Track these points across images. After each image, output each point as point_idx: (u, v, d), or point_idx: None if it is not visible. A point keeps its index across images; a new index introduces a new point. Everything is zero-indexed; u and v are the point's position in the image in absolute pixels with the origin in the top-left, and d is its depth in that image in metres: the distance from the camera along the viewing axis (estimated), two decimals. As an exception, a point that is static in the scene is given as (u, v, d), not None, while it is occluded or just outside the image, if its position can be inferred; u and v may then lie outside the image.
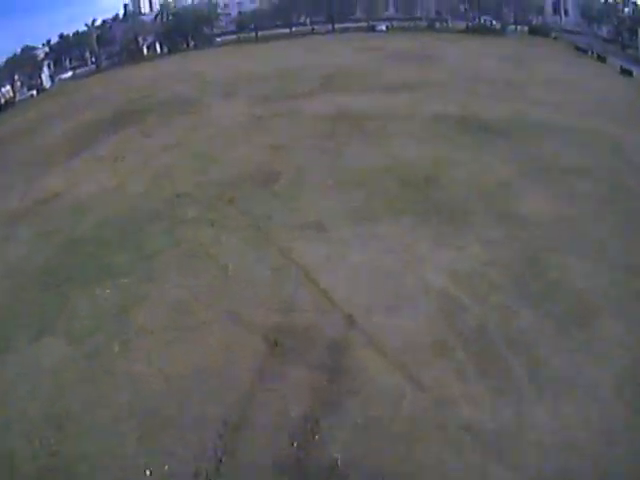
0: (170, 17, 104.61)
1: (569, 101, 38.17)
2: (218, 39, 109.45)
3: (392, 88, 41.76)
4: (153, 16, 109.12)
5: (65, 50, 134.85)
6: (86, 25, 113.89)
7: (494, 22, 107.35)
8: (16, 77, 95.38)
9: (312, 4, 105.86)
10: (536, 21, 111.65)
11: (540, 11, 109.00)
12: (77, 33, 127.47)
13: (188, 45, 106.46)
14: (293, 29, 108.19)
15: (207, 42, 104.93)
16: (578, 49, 75.67)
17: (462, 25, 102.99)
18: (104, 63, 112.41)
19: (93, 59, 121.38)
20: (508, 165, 26.14)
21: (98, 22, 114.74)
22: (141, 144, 35.68)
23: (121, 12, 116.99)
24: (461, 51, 63.31)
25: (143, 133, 38.34)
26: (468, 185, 24.14)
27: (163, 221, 23.88)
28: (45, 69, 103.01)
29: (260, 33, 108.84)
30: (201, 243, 21.54)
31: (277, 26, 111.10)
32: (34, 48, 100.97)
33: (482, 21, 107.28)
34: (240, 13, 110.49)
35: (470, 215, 21.65)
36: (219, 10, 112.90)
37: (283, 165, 27.29)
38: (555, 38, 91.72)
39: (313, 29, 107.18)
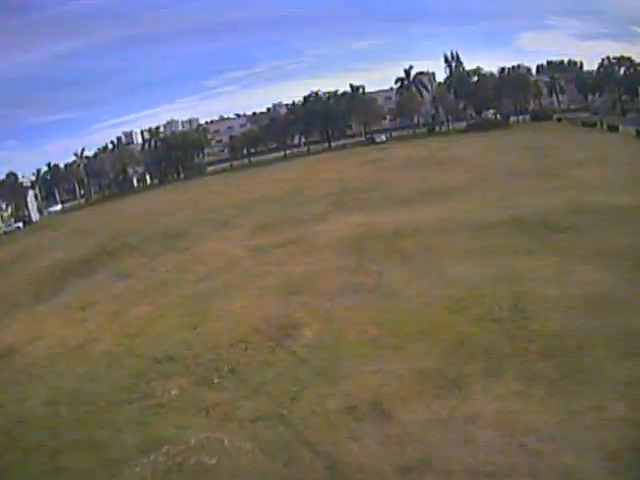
0: (158, 145, 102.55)
1: (611, 178, 33.05)
2: (210, 167, 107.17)
3: (415, 198, 35.95)
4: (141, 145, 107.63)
5: (54, 181, 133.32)
6: (75, 154, 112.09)
7: (496, 115, 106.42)
8: (3, 207, 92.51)
9: (305, 124, 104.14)
10: (534, 106, 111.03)
11: (537, 95, 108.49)
12: (66, 165, 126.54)
13: (179, 175, 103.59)
14: (288, 151, 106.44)
15: (198, 171, 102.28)
16: (585, 124, 76.09)
17: (462, 125, 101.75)
18: (94, 196, 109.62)
19: (82, 191, 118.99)
20: (601, 270, 18.82)
21: (89, 152, 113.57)
22: (117, 289, 28.67)
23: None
24: (472, 150, 60.09)
25: (121, 275, 31.56)
26: (571, 305, 16.55)
27: (132, 403, 16.03)
28: (32, 200, 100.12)
29: (253, 158, 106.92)
30: (189, 449, 13.39)
31: (271, 150, 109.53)
32: (16, 175, 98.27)
33: (483, 116, 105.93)
34: (231, 137, 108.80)
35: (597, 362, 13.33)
36: (209, 135, 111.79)
37: (302, 313, 19.52)
38: (559, 120, 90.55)
39: (309, 149, 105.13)
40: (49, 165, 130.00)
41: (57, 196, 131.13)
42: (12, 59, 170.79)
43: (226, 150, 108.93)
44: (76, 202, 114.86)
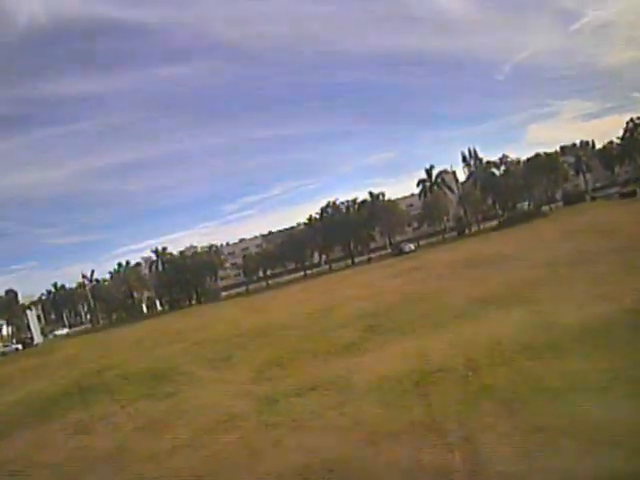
0: (165, 267, 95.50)
1: None
2: (225, 292, 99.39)
3: (475, 309, 26.36)
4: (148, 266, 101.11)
5: (61, 303, 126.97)
6: (83, 276, 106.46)
7: (529, 206, 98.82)
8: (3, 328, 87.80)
9: (324, 239, 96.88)
10: (563, 190, 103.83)
11: (564, 178, 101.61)
12: (72, 288, 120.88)
13: (190, 301, 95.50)
14: (308, 271, 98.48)
15: (212, 296, 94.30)
16: (624, 196, 74.48)
17: (492, 223, 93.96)
18: (102, 321, 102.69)
19: (89, 316, 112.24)
20: None
21: (102, 275, 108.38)
22: (57, 454, 19.18)
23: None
24: (518, 246, 52.44)
25: (76, 429, 22.38)
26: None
27: None
28: (34, 321, 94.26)
29: (271, 280, 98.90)
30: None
31: (290, 270, 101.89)
32: (16, 293, 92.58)
33: (517, 208, 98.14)
34: (244, 257, 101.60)
35: None
36: (222, 257, 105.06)
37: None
38: (593, 199, 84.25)
39: (331, 267, 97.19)
40: (55, 286, 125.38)
41: (65, 319, 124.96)
42: (32, 177, 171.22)
43: (241, 273, 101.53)
44: (83, 327, 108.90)
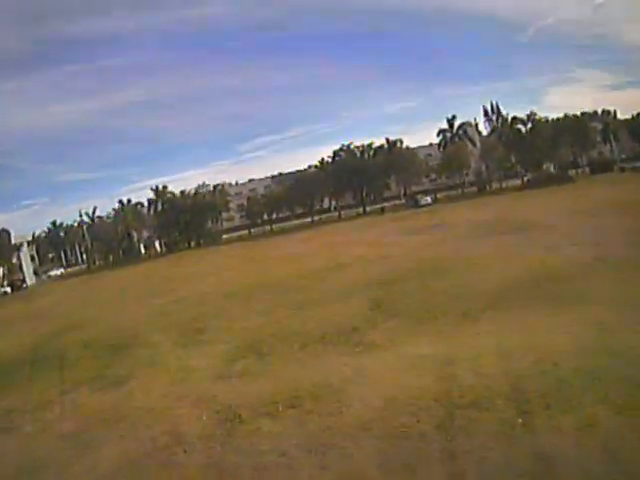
0: (165, 207, 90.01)
1: None
2: (227, 235, 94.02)
3: (516, 294, 20.37)
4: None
5: (59, 242, 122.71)
6: (80, 215, 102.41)
7: (555, 169, 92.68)
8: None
9: (335, 185, 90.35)
10: (589, 157, 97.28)
11: (593, 145, 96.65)
12: (69, 225, 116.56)
13: (189, 244, 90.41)
14: (316, 217, 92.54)
15: (212, 240, 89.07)
16: None
17: (514, 182, 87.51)
18: (98, 262, 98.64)
19: (84, 256, 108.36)
20: None
21: (97, 213, 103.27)
22: None
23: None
24: (548, 210, 46.99)
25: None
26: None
27: None
28: (27, 261, 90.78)
29: (276, 225, 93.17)
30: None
31: (297, 215, 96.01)
32: (9, 232, 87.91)
33: (546, 168, 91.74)
34: (249, 199, 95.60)
35: None
36: (228, 197, 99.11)
37: None
38: (622, 170, 77.91)
39: (340, 214, 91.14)
40: (54, 223, 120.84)
41: (63, 259, 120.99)
42: (44, 111, 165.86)
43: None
44: (77, 267, 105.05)
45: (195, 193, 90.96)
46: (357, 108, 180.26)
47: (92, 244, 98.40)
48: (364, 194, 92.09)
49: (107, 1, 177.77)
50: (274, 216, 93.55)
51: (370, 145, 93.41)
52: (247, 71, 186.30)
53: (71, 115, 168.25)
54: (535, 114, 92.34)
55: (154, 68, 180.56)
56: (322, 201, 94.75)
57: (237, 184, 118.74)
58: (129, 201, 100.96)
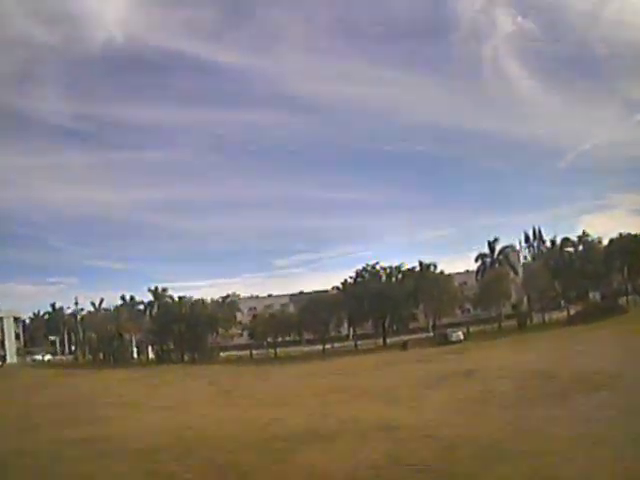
0: (160, 311, 79.65)
1: None
2: (229, 351, 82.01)
3: None
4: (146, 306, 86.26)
5: (52, 326, 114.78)
6: (76, 303, 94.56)
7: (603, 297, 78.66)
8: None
9: (354, 310, 78.41)
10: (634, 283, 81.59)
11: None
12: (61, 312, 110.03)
13: (182, 357, 78.56)
14: (329, 345, 79.58)
15: (208, 355, 77.22)
16: None
17: (559, 314, 75.27)
18: (88, 355, 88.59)
19: (73, 347, 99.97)
20: None
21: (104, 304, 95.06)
22: None
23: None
24: (615, 352, 37.23)
25: None
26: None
27: None
28: (11, 339, 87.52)
29: (284, 349, 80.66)
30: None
31: (310, 340, 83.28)
32: None
33: (592, 297, 77.71)
34: (254, 317, 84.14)
35: None
36: (238, 314, 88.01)
37: None
38: None
39: (356, 344, 78.37)
40: (53, 306, 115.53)
41: (58, 344, 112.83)
42: (84, 195, 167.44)
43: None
44: (65, 357, 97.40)
45: (194, 302, 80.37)
46: (392, 234, 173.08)
47: (84, 337, 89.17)
48: (386, 324, 79.27)
49: (161, 91, 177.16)
50: (284, 338, 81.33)
51: (399, 268, 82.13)
52: (290, 183, 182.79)
53: (109, 202, 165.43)
54: (587, 235, 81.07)
55: (196, 168, 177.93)
56: (339, 327, 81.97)
57: (251, 297, 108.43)
58: (132, 298, 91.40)
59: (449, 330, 73.46)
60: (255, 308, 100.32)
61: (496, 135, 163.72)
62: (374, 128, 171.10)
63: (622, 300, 75.84)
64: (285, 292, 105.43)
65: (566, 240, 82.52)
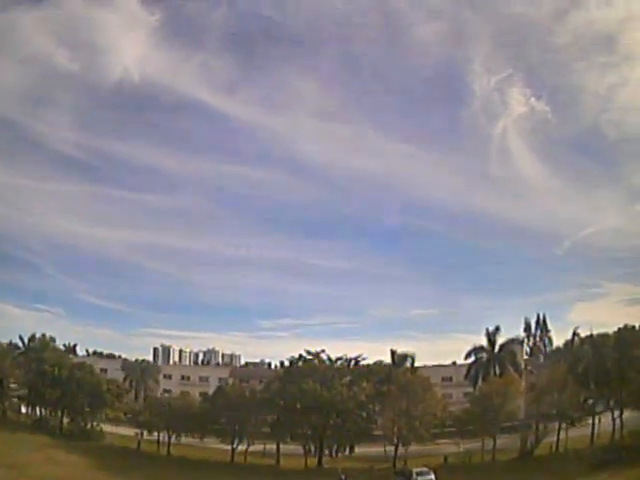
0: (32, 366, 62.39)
1: None
2: (121, 431, 63.46)
3: None
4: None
5: None
6: None
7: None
8: None
9: (280, 413, 58.83)
10: None
11: None
12: None
13: (62, 421, 60.45)
14: (241, 446, 59.70)
15: (85, 434, 59.12)
16: None
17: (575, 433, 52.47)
18: None
19: None
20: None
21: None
22: None
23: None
24: None
25: None
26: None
27: None
28: None
29: (183, 442, 61.67)
30: None
31: (218, 432, 63.05)
32: None
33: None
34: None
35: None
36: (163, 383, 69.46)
37: None
38: None
39: (278, 459, 56.10)
40: None
41: None
42: (83, 229, 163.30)
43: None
44: None
45: (81, 364, 62.48)
46: (379, 307, 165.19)
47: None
48: (325, 432, 58.95)
49: (166, 135, 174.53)
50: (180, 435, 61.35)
51: (356, 359, 62.82)
52: (286, 245, 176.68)
53: (103, 238, 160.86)
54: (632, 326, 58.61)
55: (193, 215, 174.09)
56: (260, 428, 61.60)
57: (204, 363, 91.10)
58: (32, 338, 74.20)
59: (415, 470, 51.48)
60: (188, 378, 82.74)
61: (495, 215, 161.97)
62: (375, 199, 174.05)
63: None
64: (267, 355, 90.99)
65: (603, 336, 59.61)
